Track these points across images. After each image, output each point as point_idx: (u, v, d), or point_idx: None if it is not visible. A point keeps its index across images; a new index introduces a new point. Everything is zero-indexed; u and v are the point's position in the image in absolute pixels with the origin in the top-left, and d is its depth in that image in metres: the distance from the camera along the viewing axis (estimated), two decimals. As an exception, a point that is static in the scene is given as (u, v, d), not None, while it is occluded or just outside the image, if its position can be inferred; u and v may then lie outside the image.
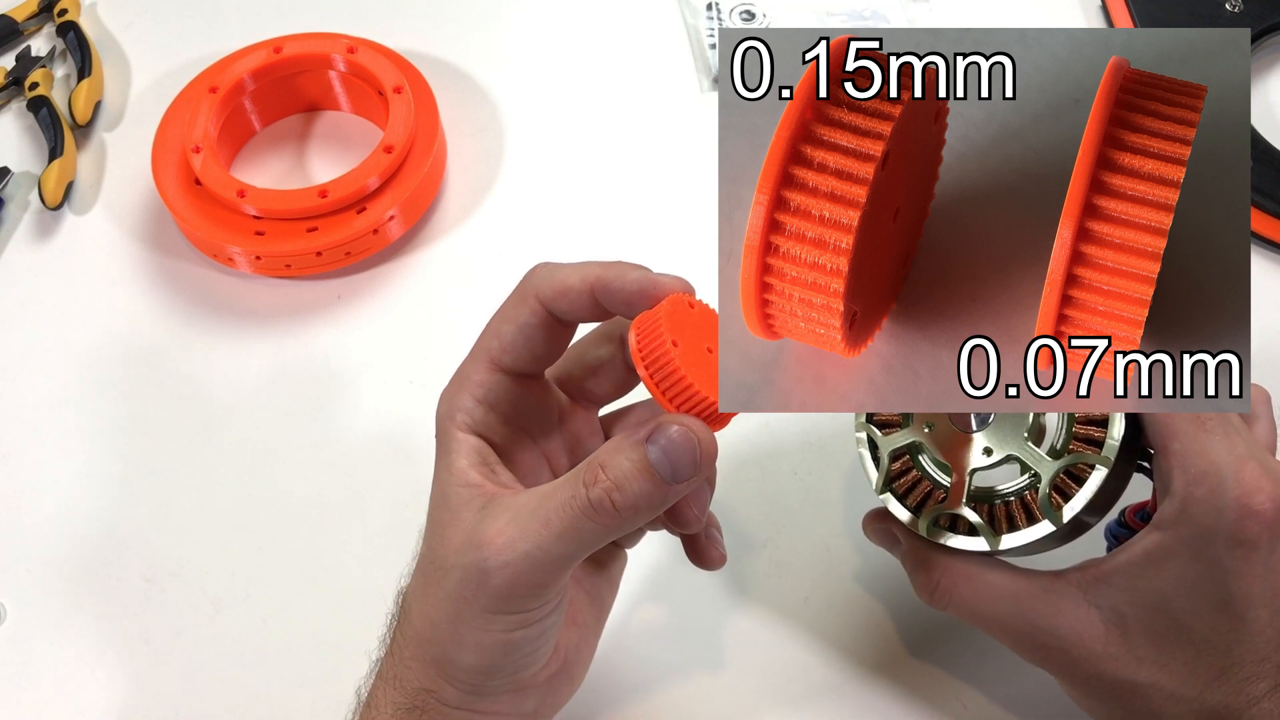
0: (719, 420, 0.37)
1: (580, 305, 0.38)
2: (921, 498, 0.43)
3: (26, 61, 0.70)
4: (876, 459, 0.44)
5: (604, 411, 0.45)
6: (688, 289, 0.38)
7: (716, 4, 0.71)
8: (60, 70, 0.71)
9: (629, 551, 0.46)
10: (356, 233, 0.59)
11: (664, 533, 0.44)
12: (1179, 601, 0.38)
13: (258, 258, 0.59)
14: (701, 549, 0.43)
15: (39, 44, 0.72)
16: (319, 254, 0.59)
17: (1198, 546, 0.37)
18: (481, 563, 0.36)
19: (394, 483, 0.55)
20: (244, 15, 0.72)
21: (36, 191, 0.64)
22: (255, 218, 0.60)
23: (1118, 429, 0.39)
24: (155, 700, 0.50)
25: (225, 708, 0.49)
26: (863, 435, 0.45)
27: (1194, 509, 0.37)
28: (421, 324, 0.60)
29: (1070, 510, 0.40)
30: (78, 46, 0.69)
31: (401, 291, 0.61)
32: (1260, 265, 0.60)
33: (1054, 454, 0.41)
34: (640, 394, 0.45)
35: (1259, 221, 0.60)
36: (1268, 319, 0.58)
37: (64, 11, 0.71)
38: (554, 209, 0.64)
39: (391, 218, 0.60)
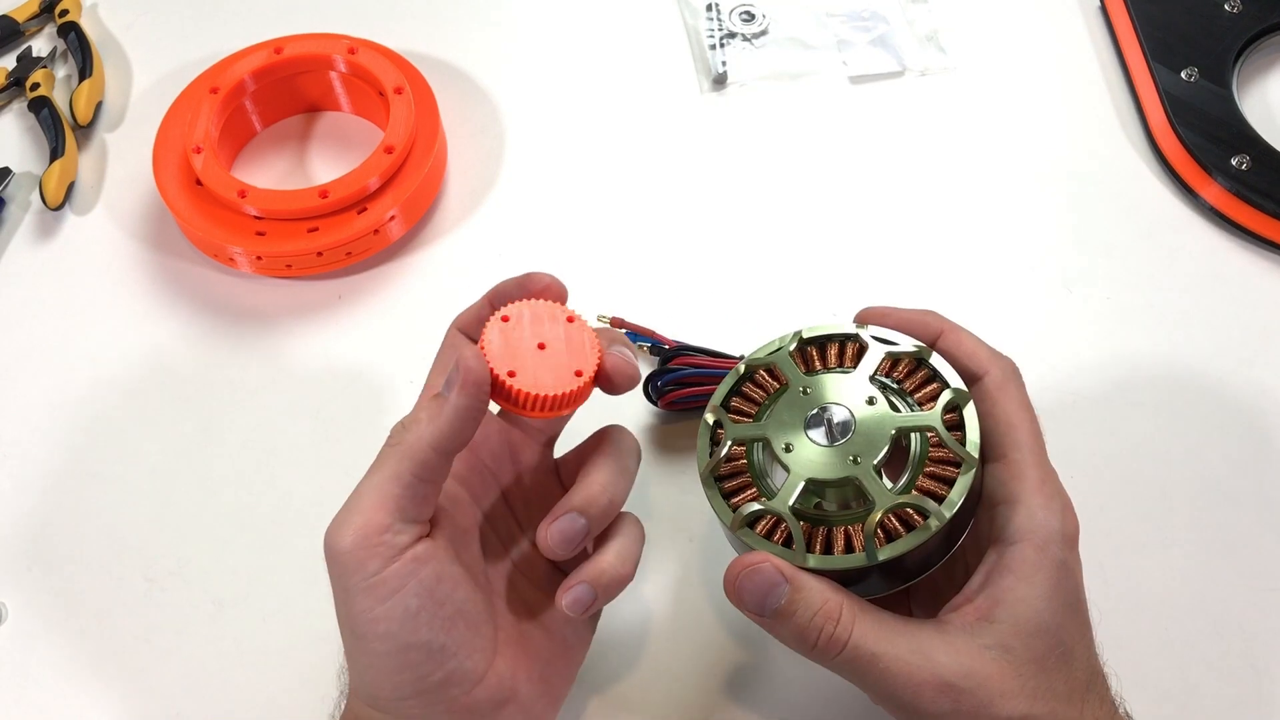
0: (576, 398, 0.42)
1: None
2: (738, 489, 0.43)
3: (28, 62, 0.70)
4: (716, 442, 0.44)
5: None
6: (554, 283, 0.44)
7: (716, 4, 0.71)
8: (61, 71, 0.71)
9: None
10: (357, 233, 0.59)
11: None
12: (1049, 615, 0.39)
13: (259, 258, 0.60)
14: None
15: (40, 44, 0.72)
16: (320, 254, 0.59)
17: (1049, 550, 0.39)
18: (333, 545, 0.39)
19: (394, 482, 0.55)
20: (244, 16, 0.72)
21: (38, 192, 0.64)
22: (256, 218, 0.60)
23: (959, 490, 0.40)
24: (156, 699, 0.50)
25: (226, 707, 0.49)
26: (711, 418, 0.44)
27: (1041, 514, 0.39)
28: (422, 324, 0.60)
29: (887, 551, 0.39)
30: (79, 47, 0.70)
31: (402, 291, 0.61)
32: (1260, 265, 0.60)
33: (904, 487, 0.41)
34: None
35: (1259, 221, 0.60)
36: (1268, 319, 0.58)
37: (65, 12, 0.71)
38: (554, 209, 0.64)
39: (392, 218, 0.60)
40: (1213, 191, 0.61)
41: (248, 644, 0.51)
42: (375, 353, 0.59)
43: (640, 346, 0.57)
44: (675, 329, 0.57)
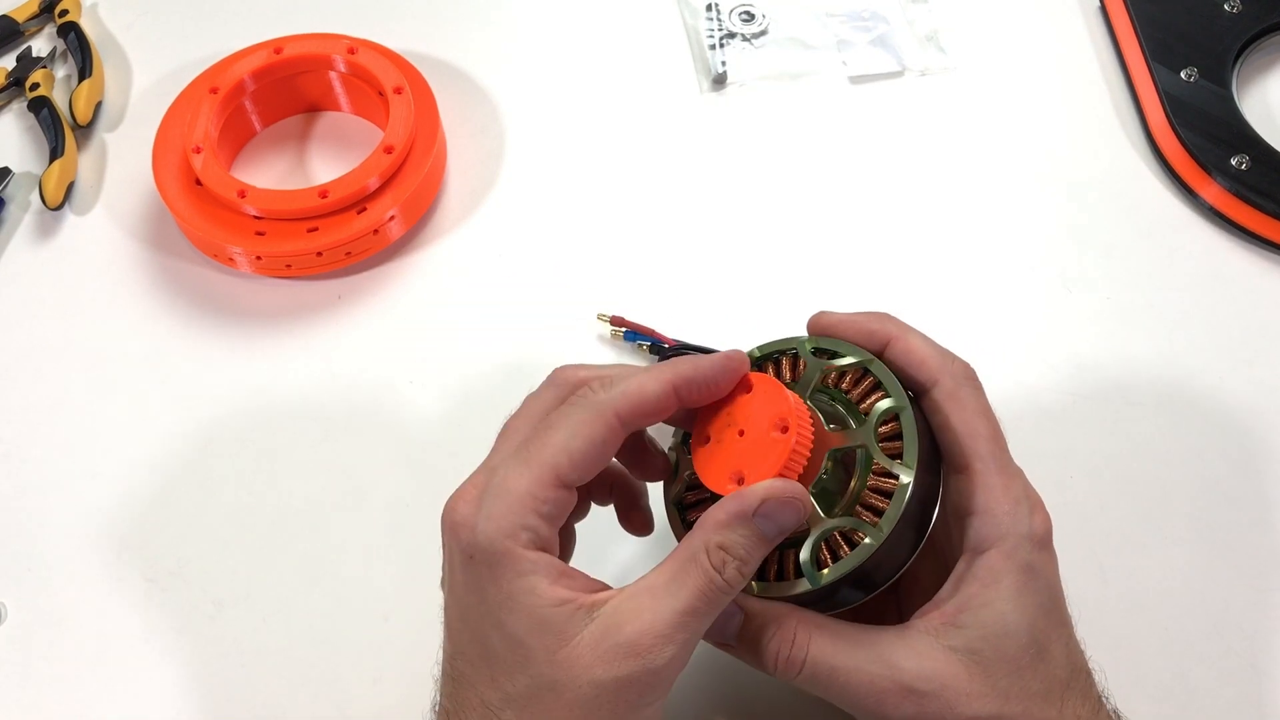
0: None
1: (662, 409, 0.40)
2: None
3: (27, 62, 0.70)
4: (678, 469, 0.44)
5: None
6: (742, 359, 0.41)
7: (716, 4, 0.71)
8: (61, 71, 0.71)
9: None
10: (357, 233, 0.59)
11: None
12: (1016, 616, 0.38)
13: (258, 258, 0.60)
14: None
15: (40, 44, 0.72)
16: (319, 254, 0.59)
17: (1016, 555, 0.39)
18: (648, 665, 0.36)
19: (394, 482, 0.55)
20: (244, 16, 0.72)
21: (37, 192, 0.64)
22: (256, 218, 0.60)
23: (895, 504, 0.39)
24: (156, 699, 0.50)
25: (226, 707, 0.49)
26: (672, 455, 0.45)
27: (1006, 521, 0.39)
28: (422, 324, 0.60)
29: (831, 574, 0.39)
30: (78, 47, 0.69)
31: (401, 291, 0.61)
32: (1260, 265, 0.60)
33: (845, 508, 0.40)
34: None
35: (1259, 222, 0.60)
36: (1268, 319, 0.58)
37: (65, 12, 0.71)
38: (554, 209, 0.64)
39: (392, 218, 0.60)
40: (1212, 191, 0.61)
41: (248, 644, 0.51)
42: (375, 353, 0.59)
43: (640, 345, 0.57)
44: (675, 328, 0.57)
